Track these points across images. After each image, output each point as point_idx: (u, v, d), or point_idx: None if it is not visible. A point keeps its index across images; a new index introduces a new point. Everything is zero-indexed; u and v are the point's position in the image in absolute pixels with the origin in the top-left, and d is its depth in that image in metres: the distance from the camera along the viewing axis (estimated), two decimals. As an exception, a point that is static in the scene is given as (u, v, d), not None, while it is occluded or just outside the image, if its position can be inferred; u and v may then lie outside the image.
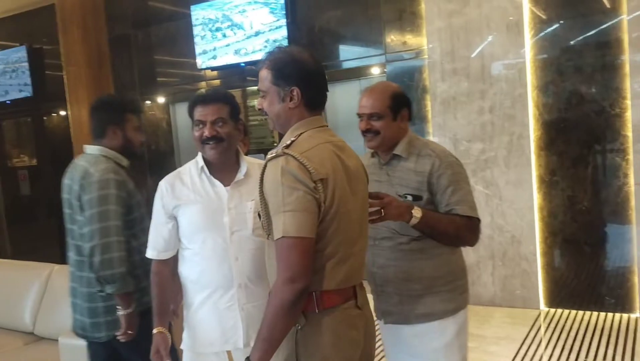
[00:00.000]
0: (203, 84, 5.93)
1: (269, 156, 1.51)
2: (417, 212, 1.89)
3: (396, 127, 2.01)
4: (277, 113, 1.60)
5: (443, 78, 4.47)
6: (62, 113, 6.74)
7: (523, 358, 3.51)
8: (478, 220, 2.01)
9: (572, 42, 4.09)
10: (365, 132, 2.02)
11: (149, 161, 6.37)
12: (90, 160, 2.31)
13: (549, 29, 4.14)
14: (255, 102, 5.70)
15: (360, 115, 2.03)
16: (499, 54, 4.27)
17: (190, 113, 1.99)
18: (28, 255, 6.03)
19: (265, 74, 1.59)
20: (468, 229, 1.98)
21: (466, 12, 4.35)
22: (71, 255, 2.36)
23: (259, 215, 1.58)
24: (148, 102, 6.37)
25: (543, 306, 4.30)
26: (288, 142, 1.53)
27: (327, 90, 1.65)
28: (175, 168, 5.90)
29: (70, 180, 2.32)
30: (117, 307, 2.22)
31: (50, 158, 6.92)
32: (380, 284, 2.05)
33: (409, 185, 1.99)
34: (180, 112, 6.46)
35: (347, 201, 1.54)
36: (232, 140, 1.98)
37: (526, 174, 4.21)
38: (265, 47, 5.28)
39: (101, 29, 6.35)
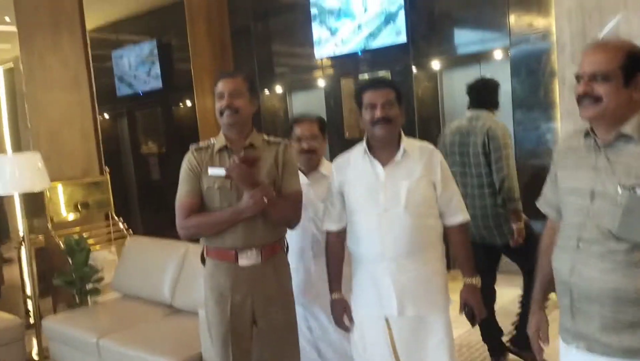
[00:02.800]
0: (319, 73, 6.06)
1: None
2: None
3: (626, 95, 1.58)
4: None
5: (573, 61, 4.22)
6: (188, 103, 7.20)
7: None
8: None
9: None
10: (581, 97, 1.62)
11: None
12: (491, 120, 3.30)
13: (699, 4, 3.77)
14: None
15: (578, 77, 1.63)
16: (638, 34, 3.95)
17: (358, 98, 2.19)
18: (157, 235, 6.53)
19: None
20: None
21: (601, -10, 4.07)
22: (473, 189, 3.27)
23: None
24: (266, 91, 6.61)
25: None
26: None
27: None
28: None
29: (473, 137, 3.27)
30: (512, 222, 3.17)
31: (178, 146, 7.42)
32: (577, 299, 1.66)
33: (639, 175, 1.55)
34: (297, 100, 6.65)
35: None
36: (398, 122, 2.17)
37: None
38: (382, 34, 5.28)
39: (224, 22, 6.68)
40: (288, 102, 6.66)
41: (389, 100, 2.11)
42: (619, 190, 1.56)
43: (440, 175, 2.16)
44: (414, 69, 5.28)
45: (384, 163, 2.15)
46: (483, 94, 3.46)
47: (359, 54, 5.56)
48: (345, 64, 5.79)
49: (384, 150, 2.17)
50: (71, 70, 5.07)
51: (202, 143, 2.42)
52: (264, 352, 2.37)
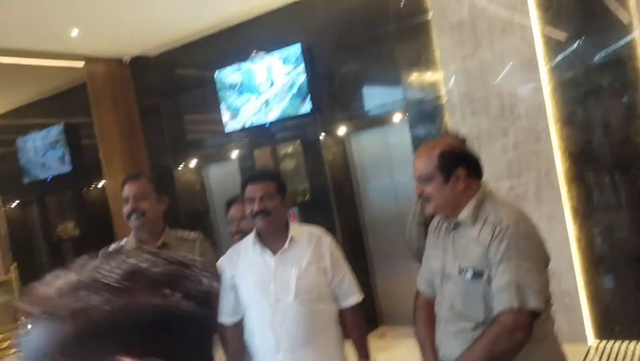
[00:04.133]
0: (232, 145, 6.12)
1: None
2: None
3: (449, 190, 1.74)
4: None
5: (464, 119, 4.53)
6: (99, 185, 7.03)
7: (577, 398, 3.43)
8: (527, 311, 1.57)
9: (589, 72, 4.11)
10: (420, 197, 1.82)
11: (186, 223, 6.54)
12: None
13: (565, 63, 4.18)
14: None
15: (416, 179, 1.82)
16: (517, 91, 4.31)
17: (242, 191, 2.23)
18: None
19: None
20: (500, 341, 1.57)
21: (479, 54, 4.43)
22: None
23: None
24: (180, 166, 6.58)
25: (592, 340, 4.20)
26: None
27: None
28: (211, 229, 6.05)
29: None
30: None
31: (92, 229, 7.18)
32: None
33: (471, 257, 1.68)
34: (213, 173, 6.66)
35: None
36: (278, 212, 2.18)
37: (558, 207, 4.18)
38: (288, 105, 5.45)
39: (131, 101, 6.65)
40: (204, 176, 6.65)
41: (268, 193, 2.15)
42: (459, 274, 1.71)
43: (329, 259, 2.19)
44: (322, 136, 5.46)
45: (274, 252, 2.18)
46: None
47: (268, 125, 5.69)
48: (256, 135, 5.89)
49: (272, 239, 2.20)
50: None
51: (111, 248, 2.38)
52: None
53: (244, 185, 2.24)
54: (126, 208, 2.34)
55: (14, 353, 4.60)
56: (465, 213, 1.75)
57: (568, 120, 4.20)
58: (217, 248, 6.49)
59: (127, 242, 2.40)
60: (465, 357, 1.65)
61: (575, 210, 4.22)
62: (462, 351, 1.68)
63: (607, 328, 4.17)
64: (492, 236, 1.65)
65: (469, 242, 1.72)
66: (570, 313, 4.20)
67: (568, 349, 4.01)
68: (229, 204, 2.75)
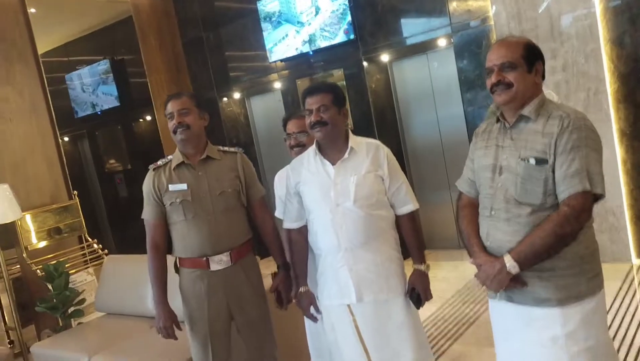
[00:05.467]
0: (274, 75, 6.20)
1: None
2: (510, 262, 1.79)
3: (531, 80, 1.84)
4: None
5: (511, 42, 4.47)
6: (148, 118, 7.25)
7: (616, 312, 3.55)
8: (592, 196, 1.76)
9: (644, -11, 3.99)
10: (494, 86, 1.86)
11: (232, 154, 6.73)
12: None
13: (618, -21, 4.05)
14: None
15: (488, 70, 1.89)
16: (567, 10, 4.22)
17: (302, 104, 2.34)
18: (130, 250, 6.58)
19: None
20: (568, 222, 1.74)
21: (529, -27, 4.32)
22: None
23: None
24: (225, 98, 6.72)
25: (635, 260, 4.28)
26: None
27: None
28: (256, 159, 6.27)
29: None
30: None
31: (142, 162, 7.48)
32: None
33: (533, 148, 1.81)
34: (256, 105, 6.78)
35: None
36: (336, 123, 2.28)
37: (606, 129, 4.17)
38: (330, 33, 5.46)
39: (175, 34, 6.75)
40: (247, 107, 6.79)
41: (324, 105, 2.24)
42: (518, 162, 1.84)
43: (387, 169, 2.29)
44: (365, 64, 5.47)
45: (333, 162, 2.30)
46: None
47: (311, 54, 5.73)
48: (299, 65, 5.94)
49: (332, 150, 2.31)
50: (27, 100, 5.09)
51: (160, 162, 2.58)
52: (245, 344, 2.60)
53: (303, 98, 2.34)
54: (171, 124, 2.48)
55: (81, 270, 4.97)
56: (530, 108, 1.86)
57: (618, 41, 4.11)
58: (261, 179, 6.71)
59: (174, 156, 2.56)
60: (530, 239, 1.79)
61: (622, 131, 4.20)
62: (515, 235, 1.83)
63: (650, 249, 4.23)
64: (561, 127, 1.78)
65: (530, 135, 1.84)
66: (614, 233, 4.27)
67: (610, 268, 4.16)
68: (286, 121, 2.86)
